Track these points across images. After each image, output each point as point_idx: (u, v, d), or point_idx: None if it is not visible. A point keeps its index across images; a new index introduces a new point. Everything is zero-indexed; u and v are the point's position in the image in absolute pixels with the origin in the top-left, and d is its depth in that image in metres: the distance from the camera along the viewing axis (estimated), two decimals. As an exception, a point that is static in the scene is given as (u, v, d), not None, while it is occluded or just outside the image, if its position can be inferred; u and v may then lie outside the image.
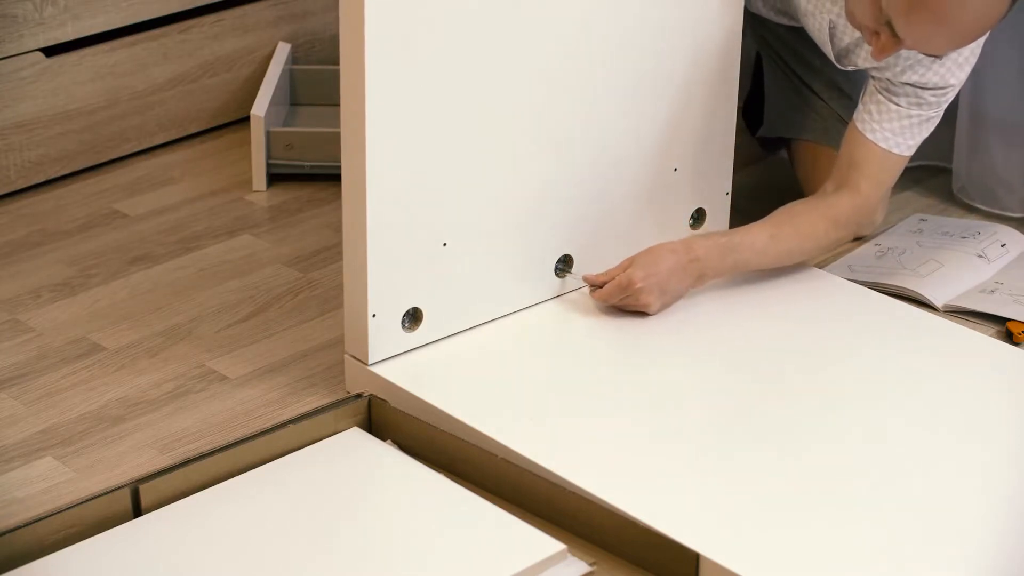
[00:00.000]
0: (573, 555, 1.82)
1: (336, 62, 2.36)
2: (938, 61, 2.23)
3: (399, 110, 2.03)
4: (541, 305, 2.27)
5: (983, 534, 1.87)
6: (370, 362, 2.11)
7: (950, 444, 2.01)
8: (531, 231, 2.22)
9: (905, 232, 2.52)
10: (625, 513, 1.85)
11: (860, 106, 2.31)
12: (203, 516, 1.86)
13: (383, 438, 2.02)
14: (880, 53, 2.13)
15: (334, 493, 1.92)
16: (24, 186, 2.67)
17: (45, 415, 2.12)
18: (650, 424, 2.04)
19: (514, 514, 1.87)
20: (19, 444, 2.06)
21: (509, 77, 2.13)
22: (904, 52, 2.18)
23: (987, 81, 2.54)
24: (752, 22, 2.51)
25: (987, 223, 2.55)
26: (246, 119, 2.78)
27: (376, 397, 2.05)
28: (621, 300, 2.22)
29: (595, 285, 2.24)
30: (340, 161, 2.07)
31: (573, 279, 2.28)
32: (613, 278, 2.23)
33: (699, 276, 2.25)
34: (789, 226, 2.29)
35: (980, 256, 2.44)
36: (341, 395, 2.13)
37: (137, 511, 1.87)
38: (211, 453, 1.93)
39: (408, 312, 2.13)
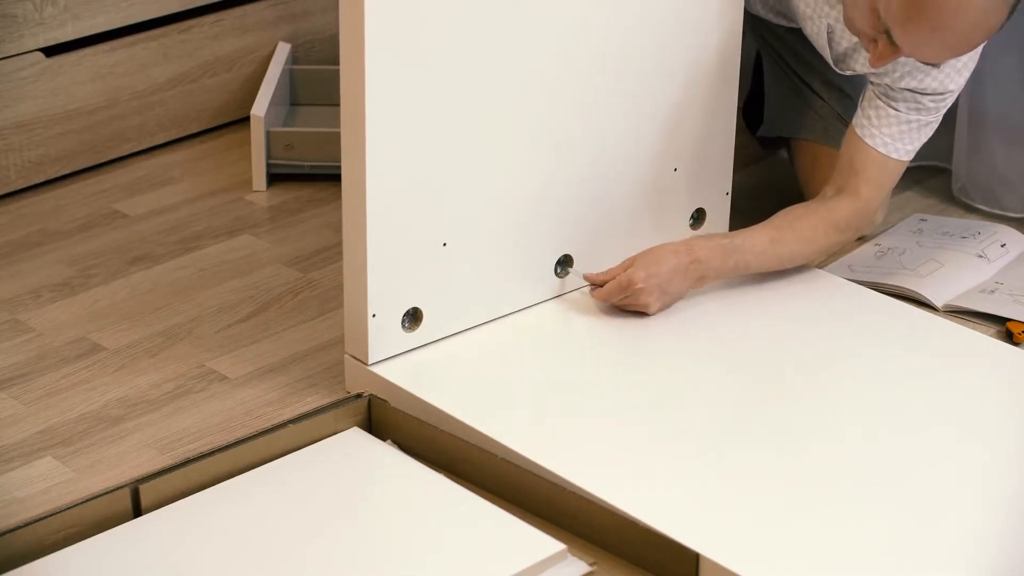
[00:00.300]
0: (573, 555, 1.82)
1: (336, 62, 2.36)
2: (936, 67, 2.23)
3: (399, 110, 2.03)
4: (541, 305, 2.27)
5: (983, 534, 1.87)
6: (370, 362, 2.11)
7: (950, 444, 2.01)
8: (531, 231, 2.22)
9: (905, 232, 2.52)
10: (625, 513, 1.85)
11: (859, 111, 2.31)
12: (203, 516, 1.86)
13: (383, 438, 2.02)
14: (878, 61, 2.13)
15: (334, 493, 1.92)
16: (24, 186, 2.67)
17: (45, 415, 2.12)
18: (650, 424, 2.04)
19: (514, 514, 1.87)
20: (19, 444, 2.06)
21: (509, 77, 2.13)
22: (902, 58, 2.18)
23: (987, 81, 2.54)
24: (752, 22, 2.51)
25: (987, 223, 2.55)
26: (246, 119, 2.78)
27: (376, 397, 2.05)
28: (621, 300, 2.22)
29: (595, 284, 2.24)
30: (340, 161, 2.07)
31: (574, 277, 2.27)
32: (614, 277, 2.23)
33: (700, 278, 2.25)
34: (789, 230, 2.29)
35: (980, 256, 2.44)
36: (341, 395, 2.13)
37: (137, 511, 1.87)
38: (211, 453, 1.93)
39: (408, 312, 2.13)
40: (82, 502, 1.84)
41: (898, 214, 2.56)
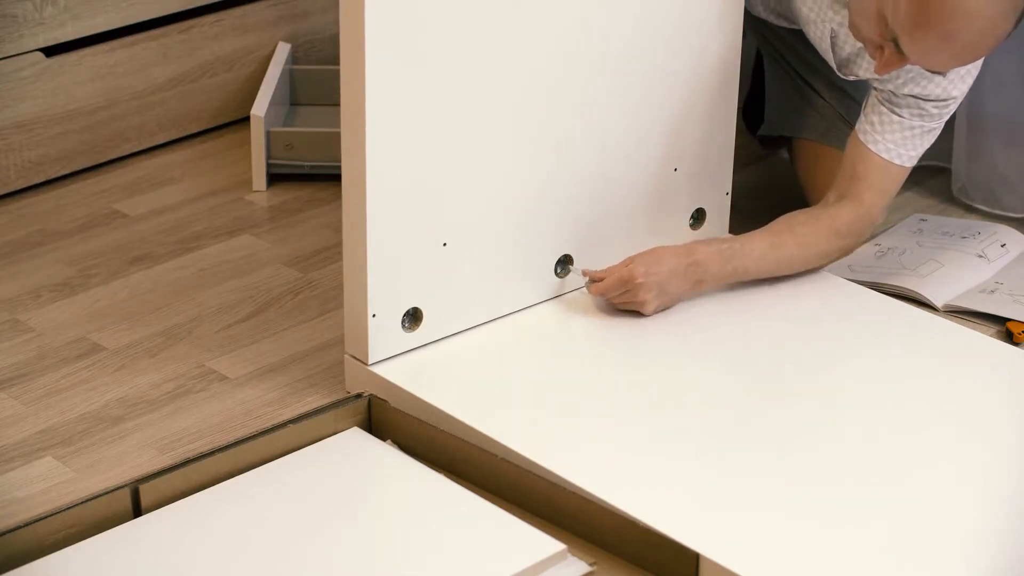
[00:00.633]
0: (573, 555, 1.82)
1: (336, 62, 2.36)
2: (942, 75, 2.23)
3: (399, 110, 2.03)
4: (541, 305, 2.27)
5: (983, 534, 1.87)
6: (370, 362, 2.11)
7: (950, 444, 2.01)
8: (531, 231, 2.22)
9: (905, 232, 2.52)
10: (625, 513, 1.85)
11: (862, 117, 2.31)
12: (203, 516, 1.86)
13: (383, 438, 2.02)
14: (884, 68, 2.13)
15: (334, 493, 1.92)
16: (24, 186, 2.67)
17: (45, 415, 2.12)
18: (650, 424, 2.04)
19: (514, 514, 1.87)
20: (19, 444, 2.06)
21: (509, 77, 2.13)
22: (906, 64, 2.18)
23: (986, 81, 2.54)
24: (753, 22, 2.51)
25: (987, 223, 2.55)
26: (246, 119, 2.78)
27: (376, 397, 2.05)
28: (620, 296, 2.22)
29: (594, 279, 2.24)
30: (340, 161, 2.07)
31: (574, 277, 2.27)
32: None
33: (698, 281, 2.25)
34: (790, 235, 2.29)
35: (980, 256, 2.44)
36: (341, 395, 2.13)
37: (137, 511, 1.87)
38: (211, 453, 1.93)
39: (408, 312, 2.13)
40: (82, 502, 1.84)
41: (898, 214, 2.56)
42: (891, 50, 2.11)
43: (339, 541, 1.83)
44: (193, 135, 2.87)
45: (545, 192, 2.22)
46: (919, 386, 2.13)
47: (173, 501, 1.88)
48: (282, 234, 2.57)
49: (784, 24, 2.48)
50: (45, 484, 1.99)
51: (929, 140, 2.30)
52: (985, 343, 2.23)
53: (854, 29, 2.17)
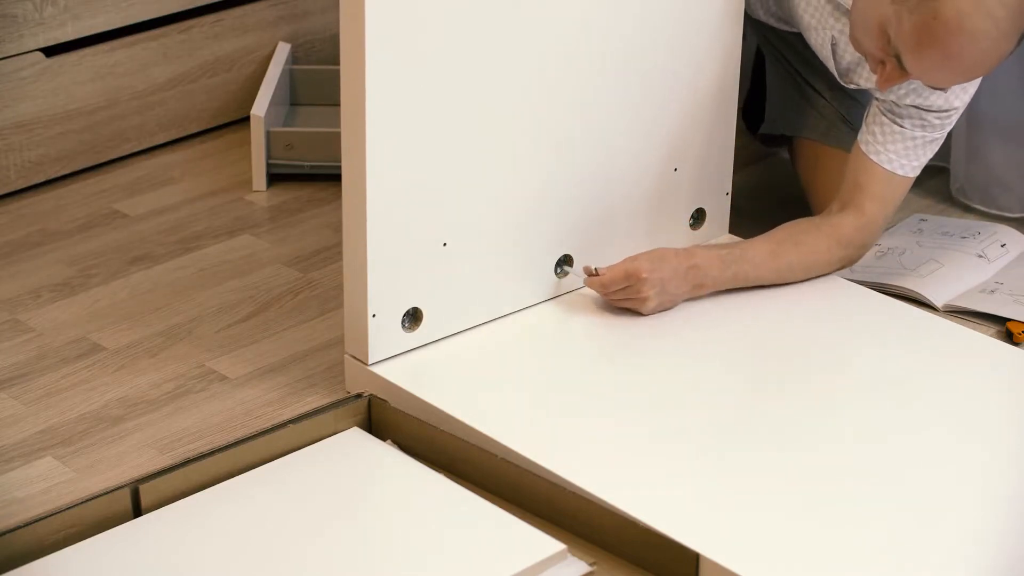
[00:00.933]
0: (573, 555, 1.82)
1: (336, 62, 2.36)
2: (943, 90, 2.23)
3: (399, 110, 2.03)
4: (540, 305, 2.27)
5: (983, 534, 1.87)
6: (370, 362, 2.11)
7: (950, 444, 2.01)
8: (531, 231, 2.22)
9: (905, 232, 2.52)
10: (625, 513, 1.85)
11: (864, 127, 2.31)
12: (203, 516, 1.86)
13: (383, 438, 2.02)
14: (885, 83, 2.13)
15: (334, 493, 1.92)
16: (24, 186, 2.67)
17: (45, 415, 2.12)
18: (650, 424, 2.04)
19: (514, 514, 1.87)
20: (19, 444, 2.06)
21: (509, 77, 2.13)
22: None
23: (984, 82, 2.54)
24: (754, 23, 2.51)
25: (987, 223, 2.55)
26: (246, 119, 2.78)
27: (376, 397, 2.05)
28: (621, 291, 2.22)
29: (593, 275, 2.23)
30: (340, 161, 2.07)
31: (573, 277, 2.27)
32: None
33: (698, 284, 2.25)
34: (791, 243, 2.29)
35: (980, 256, 2.44)
36: (341, 395, 2.13)
37: (137, 511, 1.87)
38: (211, 453, 1.93)
39: (408, 312, 2.13)
40: (82, 502, 1.84)
41: (898, 214, 2.56)
42: (893, 65, 2.11)
43: (339, 541, 1.83)
44: (193, 135, 2.87)
45: (545, 192, 2.22)
46: (919, 386, 2.13)
47: (173, 501, 1.88)
48: (282, 234, 2.57)
49: (785, 27, 2.48)
50: (45, 484, 1.99)
51: (932, 150, 2.30)
52: (985, 343, 2.23)
53: (855, 42, 2.17)
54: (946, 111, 2.27)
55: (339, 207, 2.38)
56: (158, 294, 2.40)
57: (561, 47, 2.16)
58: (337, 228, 2.54)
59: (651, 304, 2.22)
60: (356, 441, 2.00)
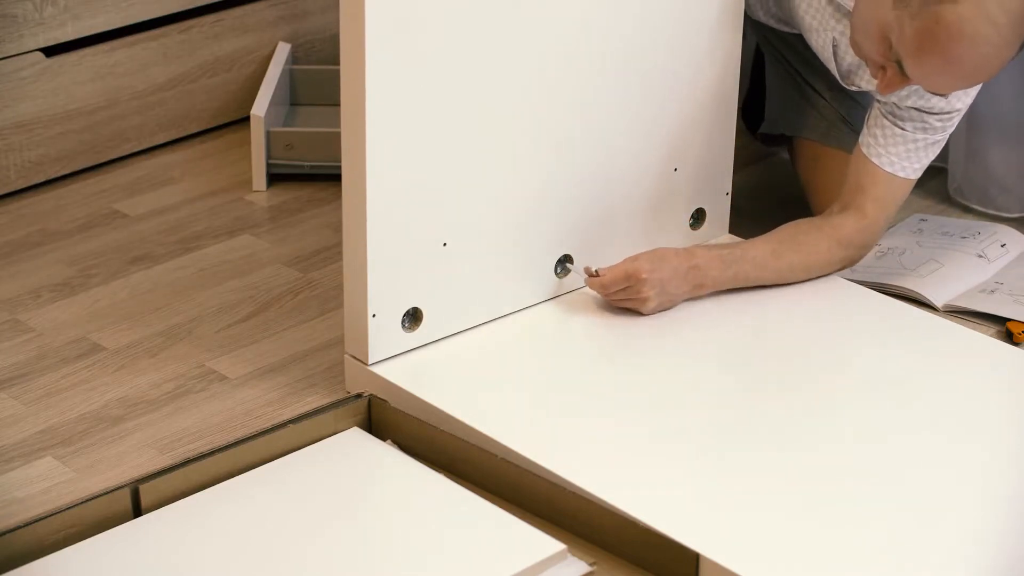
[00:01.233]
0: (573, 555, 1.82)
1: (336, 62, 2.36)
2: (943, 96, 2.23)
3: (399, 110, 2.03)
4: (540, 305, 2.27)
5: (983, 534, 1.87)
6: (370, 362, 2.11)
7: (950, 444, 2.01)
8: (531, 231, 2.22)
9: (905, 232, 2.52)
10: (625, 513, 1.85)
11: (865, 129, 2.30)
12: (203, 516, 1.86)
13: (383, 438, 2.02)
14: (886, 88, 2.14)
15: (334, 493, 1.92)
16: (24, 186, 2.67)
17: (45, 415, 2.12)
18: (650, 424, 2.04)
19: (514, 514, 1.87)
20: (19, 444, 2.06)
21: (509, 77, 2.13)
22: None
23: (983, 83, 2.54)
24: (753, 23, 2.51)
25: (987, 223, 2.55)
26: (246, 119, 2.78)
27: (376, 397, 2.05)
28: (621, 291, 2.22)
29: (593, 276, 2.23)
30: (340, 161, 2.07)
31: (574, 277, 2.27)
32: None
33: (698, 284, 2.25)
34: (792, 243, 2.29)
35: (980, 256, 2.44)
36: (341, 395, 2.13)
37: (137, 511, 1.87)
38: (211, 453, 1.93)
39: (408, 312, 2.13)
40: (82, 502, 1.84)
41: (898, 214, 2.56)
42: (894, 71, 2.11)
43: (339, 541, 1.83)
44: (193, 135, 2.87)
45: (545, 192, 2.22)
46: (919, 386, 2.13)
47: (173, 501, 1.88)
48: (282, 234, 2.57)
49: (785, 28, 2.48)
50: (45, 484, 1.99)
51: (933, 152, 2.30)
52: (985, 343, 2.23)
53: (855, 46, 2.17)
54: (947, 113, 2.27)
55: (339, 207, 2.38)
56: (158, 294, 2.40)
57: (561, 47, 2.16)
58: (337, 228, 2.54)
59: (651, 304, 2.22)
60: (356, 441, 2.00)
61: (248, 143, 2.71)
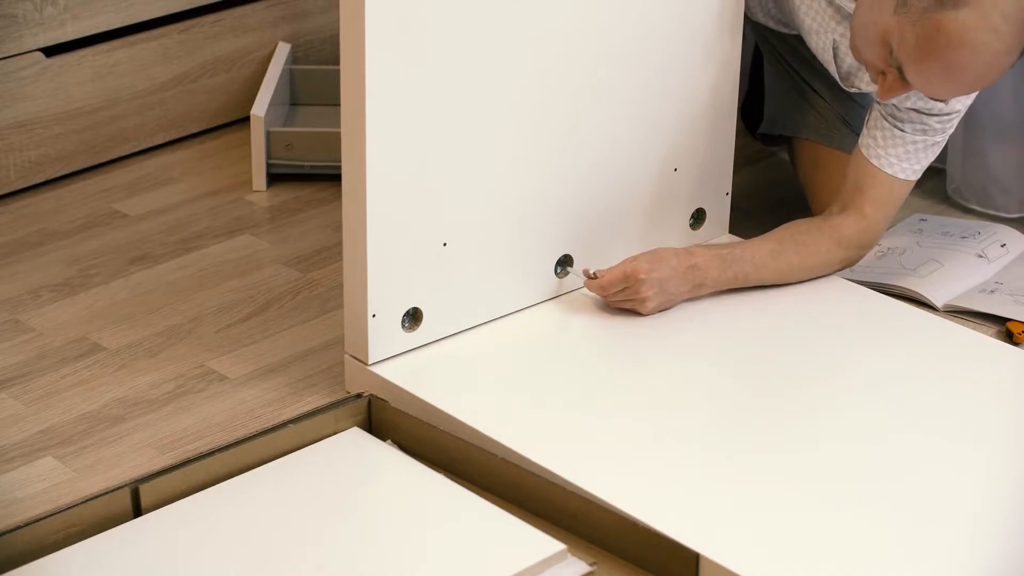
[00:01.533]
0: (573, 555, 1.82)
1: (336, 62, 2.36)
2: (944, 102, 2.23)
3: (399, 110, 2.03)
4: (540, 305, 2.27)
5: (983, 534, 1.87)
6: (370, 362, 2.11)
7: (950, 444, 2.01)
8: (531, 231, 2.22)
9: (905, 232, 2.52)
10: (625, 513, 1.85)
11: (865, 131, 2.30)
12: (203, 516, 1.86)
13: (383, 438, 2.02)
14: (886, 94, 2.14)
15: (334, 493, 1.92)
16: (24, 186, 2.67)
17: (45, 415, 2.12)
18: (650, 424, 2.03)
19: (514, 514, 1.87)
20: (19, 444, 2.06)
21: (509, 77, 2.13)
22: None
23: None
24: (753, 24, 2.51)
25: (987, 223, 2.55)
26: (246, 119, 2.78)
27: (376, 397, 2.05)
28: (620, 292, 2.22)
29: (592, 277, 2.23)
30: (340, 161, 2.07)
31: (574, 277, 2.27)
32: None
33: (697, 284, 2.25)
34: (792, 243, 2.29)
35: (980, 256, 2.44)
36: (341, 395, 2.13)
37: (137, 511, 1.87)
38: (211, 453, 1.93)
39: (408, 312, 2.13)
40: (82, 502, 1.84)
41: (898, 214, 2.56)
42: (894, 76, 2.11)
43: (339, 541, 1.83)
44: (193, 135, 2.87)
45: (545, 192, 2.22)
46: (919, 386, 2.13)
47: (173, 501, 1.88)
48: (282, 234, 2.57)
49: (784, 30, 2.48)
50: (45, 484, 1.99)
51: (933, 154, 2.30)
52: (985, 343, 2.23)
53: (855, 51, 2.17)
54: (947, 115, 2.27)
55: (339, 207, 2.38)
56: (158, 294, 2.40)
57: (561, 47, 2.16)
58: (337, 228, 2.54)
59: (651, 304, 2.22)
60: (356, 441, 2.00)
61: (248, 143, 2.71)
